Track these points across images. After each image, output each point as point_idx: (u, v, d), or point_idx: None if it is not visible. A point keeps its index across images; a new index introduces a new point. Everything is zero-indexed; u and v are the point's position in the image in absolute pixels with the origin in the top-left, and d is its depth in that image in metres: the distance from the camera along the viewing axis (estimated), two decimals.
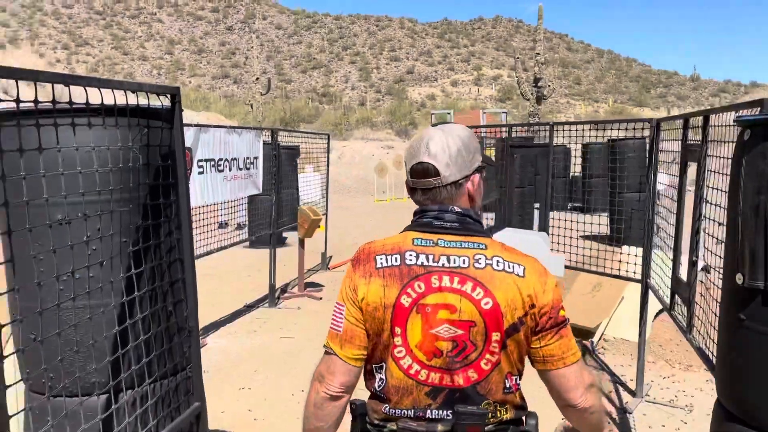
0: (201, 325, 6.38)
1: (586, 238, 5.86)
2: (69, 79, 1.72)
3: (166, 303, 2.11)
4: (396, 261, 1.43)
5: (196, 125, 5.02)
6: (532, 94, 26.30)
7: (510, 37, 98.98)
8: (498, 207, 11.12)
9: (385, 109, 50.69)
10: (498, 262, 1.41)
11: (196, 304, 2.20)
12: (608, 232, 9.64)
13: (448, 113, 20.59)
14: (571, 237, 5.51)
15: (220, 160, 5.36)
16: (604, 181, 15.31)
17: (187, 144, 4.90)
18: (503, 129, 9.16)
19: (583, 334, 5.64)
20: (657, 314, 5.37)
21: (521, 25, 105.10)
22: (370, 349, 1.46)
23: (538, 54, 25.33)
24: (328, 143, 9.23)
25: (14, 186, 2.11)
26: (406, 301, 1.40)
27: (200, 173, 5.04)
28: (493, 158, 11.77)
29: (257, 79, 36.63)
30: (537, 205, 15.38)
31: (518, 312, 1.39)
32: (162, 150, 2.10)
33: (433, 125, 1.56)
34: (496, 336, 1.39)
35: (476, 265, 1.40)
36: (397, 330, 1.41)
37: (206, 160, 5.12)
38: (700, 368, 4.89)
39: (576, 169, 14.99)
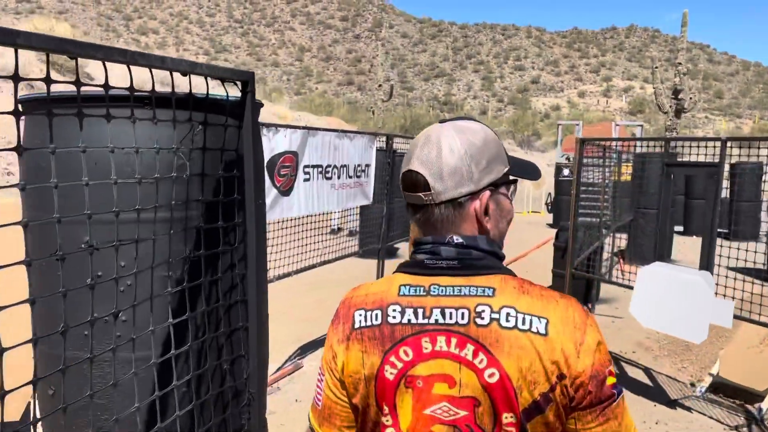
0: (298, 344, 6.01)
1: (735, 270, 4.83)
2: (76, 48, 1.23)
3: (221, 359, 1.59)
4: (376, 319, 1.08)
5: (303, 127, 4.60)
6: (670, 106, 24.24)
7: (645, 47, 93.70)
8: (630, 230, 10.01)
9: (507, 119, 49.41)
10: (508, 315, 1.01)
11: (263, 360, 1.66)
12: (765, 266, 8.30)
13: (576, 124, 19.27)
14: (720, 267, 4.51)
15: (329, 166, 4.90)
16: (755, 205, 13.62)
17: (293, 148, 4.48)
18: (634, 144, 8.10)
19: (747, 397, 4.61)
20: None
21: (658, 35, 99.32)
22: (359, 426, 1.15)
23: (680, 63, 23.30)
24: None
25: (29, 198, 1.71)
26: (390, 373, 1.06)
27: (306, 180, 4.61)
28: (628, 175, 10.64)
29: (380, 86, 36.87)
30: (678, 228, 13.95)
31: (540, 386, 0.99)
32: (226, 156, 1.59)
33: (441, 122, 1.12)
34: (508, 418, 1.00)
35: (478, 320, 1.01)
36: (385, 408, 1.08)
37: (313, 166, 4.69)
38: None
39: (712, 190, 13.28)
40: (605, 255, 7.73)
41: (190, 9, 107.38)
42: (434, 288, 1.05)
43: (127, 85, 1.35)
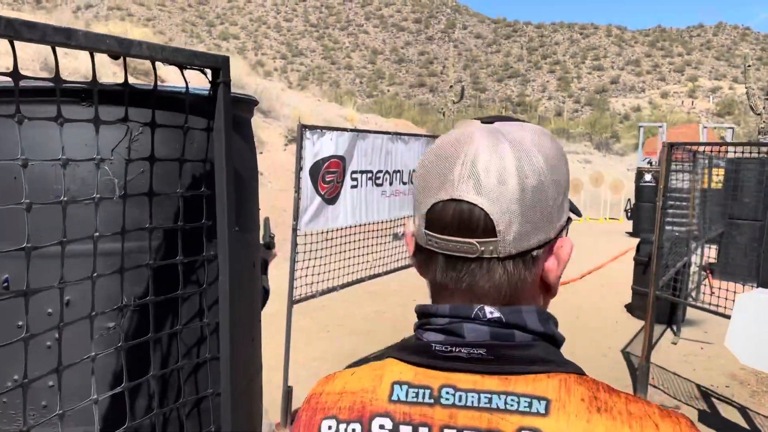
0: (347, 360, 5.60)
1: None
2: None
3: None
4: None
5: (352, 130, 4.20)
6: (764, 107, 22.54)
7: (734, 46, 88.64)
8: (721, 243, 9.07)
9: (583, 121, 47.72)
10: None
11: None
12: None
13: (660, 126, 18.08)
14: None
15: (379, 171, 4.49)
16: None
17: (340, 152, 4.10)
18: (726, 148, 7.26)
19: None
20: None
21: (748, 33, 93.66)
22: None
23: None
24: None
25: None
26: None
27: (353, 187, 4.21)
28: (719, 182, 9.69)
29: (451, 87, 36.31)
30: None
31: None
32: (192, 168, 1.20)
33: (482, 120, 0.71)
34: None
35: None
36: None
37: (362, 172, 4.28)
38: None
39: None
40: (692, 271, 6.97)
41: (269, 14, 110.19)
42: (447, 393, 0.65)
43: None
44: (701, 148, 7.68)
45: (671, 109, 62.57)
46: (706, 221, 8.22)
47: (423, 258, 0.69)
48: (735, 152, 7.74)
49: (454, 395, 0.64)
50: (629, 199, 18.66)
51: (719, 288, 4.97)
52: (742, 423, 4.45)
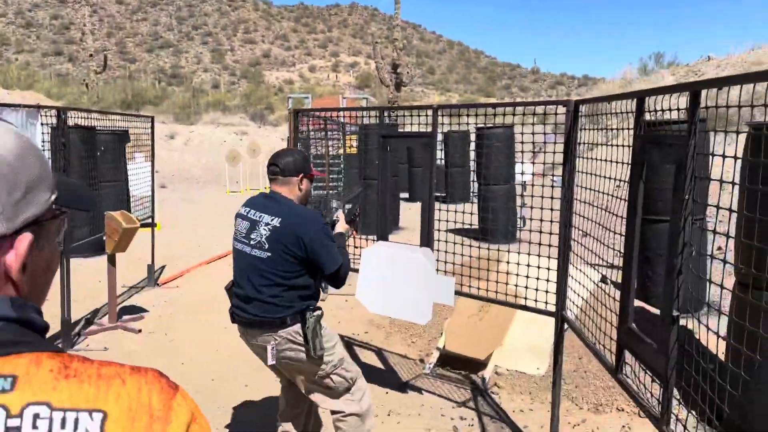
0: None
1: (454, 232, 4.83)
2: None
3: None
4: None
5: None
6: (391, 80, 25.65)
7: (366, 25, 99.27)
8: (359, 203, 10.00)
9: (240, 93, 48.15)
10: (37, 418, 0.64)
11: None
12: (478, 225, 8.91)
13: (306, 97, 19.19)
14: (446, 241, 4.40)
15: None
16: (465, 170, 14.88)
17: None
18: (363, 114, 7.96)
19: (472, 366, 4.60)
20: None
21: (377, 13, 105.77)
22: None
23: (396, 39, 24.67)
24: (152, 127, 7.32)
25: None
26: None
27: None
28: (355, 148, 10.63)
29: (91, 56, 32.76)
30: (404, 195, 14.59)
31: None
32: None
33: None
34: None
35: None
36: None
37: None
38: (612, 408, 4.02)
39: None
40: None
41: None
42: None
43: None
44: (334, 116, 8.20)
45: (319, 82, 67.36)
46: (346, 182, 8.92)
47: None
48: (367, 119, 8.50)
49: None
50: None
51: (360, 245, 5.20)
52: (379, 364, 4.90)
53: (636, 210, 2.30)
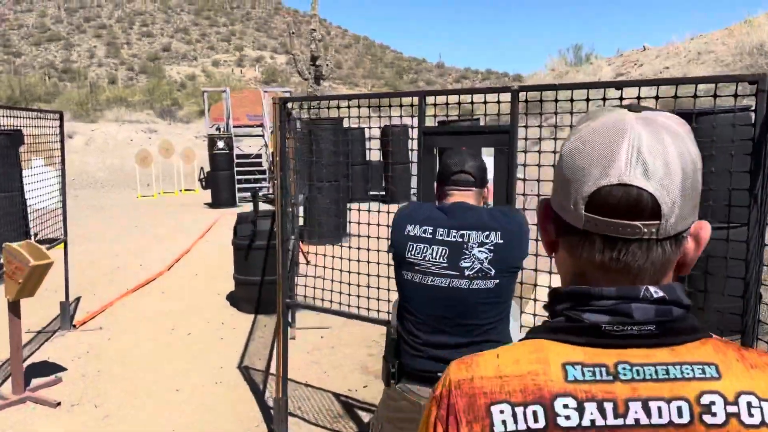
0: None
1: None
2: None
3: None
4: (536, 421, 0.67)
5: None
6: (310, 73, 24.94)
7: (270, 18, 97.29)
8: (307, 208, 9.39)
9: (141, 89, 45.59)
10: (750, 406, 0.65)
11: None
12: None
13: (224, 91, 18.15)
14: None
15: None
16: (407, 167, 14.51)
17: None
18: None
19: None
20: None
21: (280, 6, 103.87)
22: None
23: (314, 30, 23.99)
24: (62, 125, 5.93)
25: None
26: None
27: None
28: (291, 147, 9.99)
29: None
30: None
31: None
32: None
33: (628, 108, 0.73)
34: None
35: (707, 418, 0.65)
36: None
37: None
38: None
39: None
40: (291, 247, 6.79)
41: None
42: (625, 368, 0.69)
43: None
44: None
45: (225, 78, 65.18)
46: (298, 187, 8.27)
47: (575, 240, 0.74)
48: (311, 116, 7.90)
49: (630, 370, 0.69)
50: (202, 168, 18.36)
51: (314, 254, 4.35)
52: None
53: None
